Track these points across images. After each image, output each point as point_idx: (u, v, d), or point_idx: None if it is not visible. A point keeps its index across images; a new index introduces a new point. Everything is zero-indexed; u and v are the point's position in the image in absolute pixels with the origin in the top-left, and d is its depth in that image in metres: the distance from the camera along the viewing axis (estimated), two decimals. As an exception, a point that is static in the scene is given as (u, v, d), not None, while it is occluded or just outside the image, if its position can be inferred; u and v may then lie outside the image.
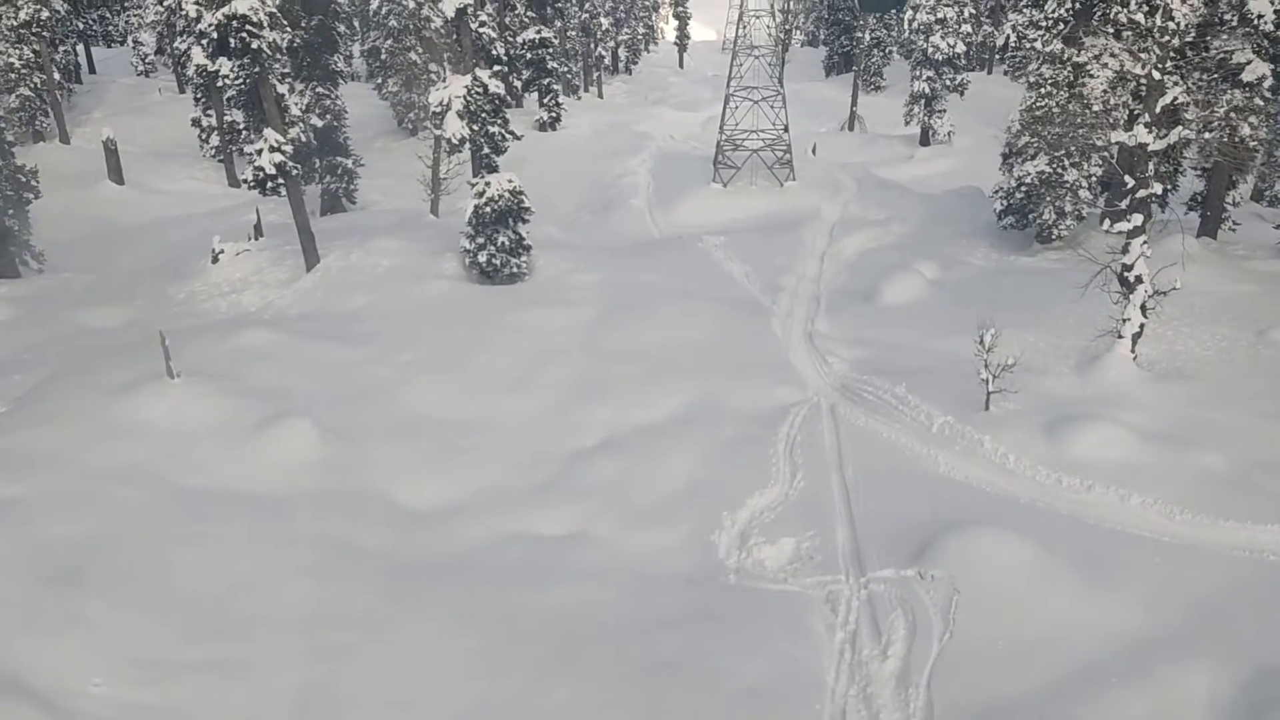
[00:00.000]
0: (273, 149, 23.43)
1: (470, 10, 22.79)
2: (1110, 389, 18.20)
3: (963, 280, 25.83)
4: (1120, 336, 18.84)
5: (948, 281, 25.72)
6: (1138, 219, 18.45)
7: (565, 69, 65.21)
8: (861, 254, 30.10)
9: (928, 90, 49.35)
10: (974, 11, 50.45)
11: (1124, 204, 18.77)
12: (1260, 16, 23.38)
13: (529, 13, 47.77)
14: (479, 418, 18.45)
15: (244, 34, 21.87)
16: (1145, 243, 18.51)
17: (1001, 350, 17.63)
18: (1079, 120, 25.99)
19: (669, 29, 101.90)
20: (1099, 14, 25.27)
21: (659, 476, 16.65)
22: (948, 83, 49.53)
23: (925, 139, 50.68)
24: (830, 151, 47.81)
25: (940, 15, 47.82)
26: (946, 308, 23.59)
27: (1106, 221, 18.54)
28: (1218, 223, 27.01)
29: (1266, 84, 23.93)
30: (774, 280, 27.45)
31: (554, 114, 47.84)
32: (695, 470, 16.84)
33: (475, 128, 23.56)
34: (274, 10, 22.37)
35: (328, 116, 34.08)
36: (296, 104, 33.85)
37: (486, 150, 23.99)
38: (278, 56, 23.05)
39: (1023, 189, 27.47)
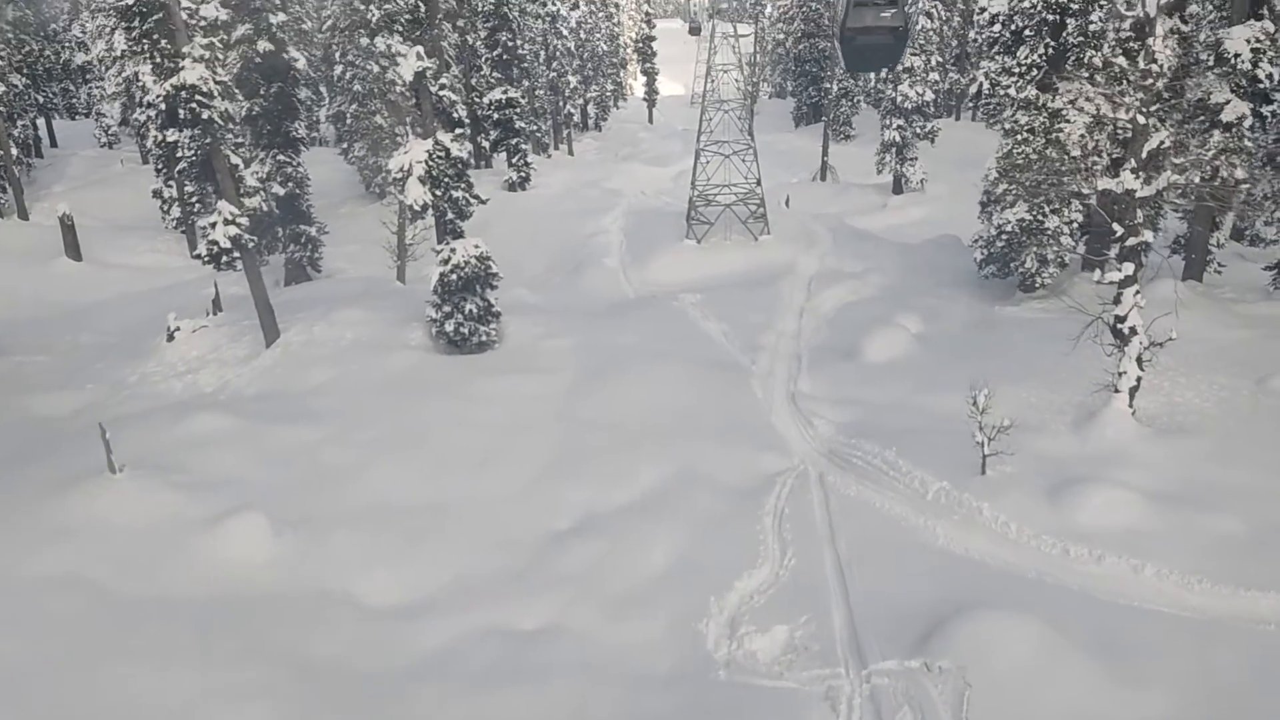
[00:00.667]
0: (227, 221, 22.47)
1: (429, 73, 22.06)
2: (1110, 447, 17.31)
3: (947, 333, 25.04)
4: (1117, 391, 18.01)
5: (932, 335, 24.92)
6: (1129, 268, 17.72)
7: (534, 128, 64.91)
8: (841, 308, 29.32)
9: (898, 138, 49.17)
10: (940, 60, 50.44)
11: (1114, 253, 18.07)
12: (1237, 55, 22.99)
13: (495, 73, 47.37)
14: (446, 500, 17.32)
15: (194, 105, 21.01)
16: (1138, 293, 17.77)
17: (995, 409, 16.76)
18: (1058, 166, 25.47)
19: (638, 85, 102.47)
20: (1073, 58, 24.89)
21: (640, 559, 15.56)
22: (918, 130, 49.38)
23: (898, 187, 50.41)
24: (803, 202, 47.38)
25: (908, 64, 47.74)
26: (933, 363, 22.76)
27: (1097, 272, 17.78)
28: (1203, 265, 26.43)
29: (1247, 123, 23.48)
30: (753, 338, 26.62)
31: (523, 174, 47.24)
32: (678, 551, 15.78)
33: (438, 193, 22.70)
34: (225, 80, 21.55)
35: (289, 184, 33.21)
36: (256, 173, 32.98)
37: (451, 216, 23.12)
38: (230, 127, 22.16)
39: (1003, 237, 26.85)
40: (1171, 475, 16.39)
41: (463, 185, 22.99)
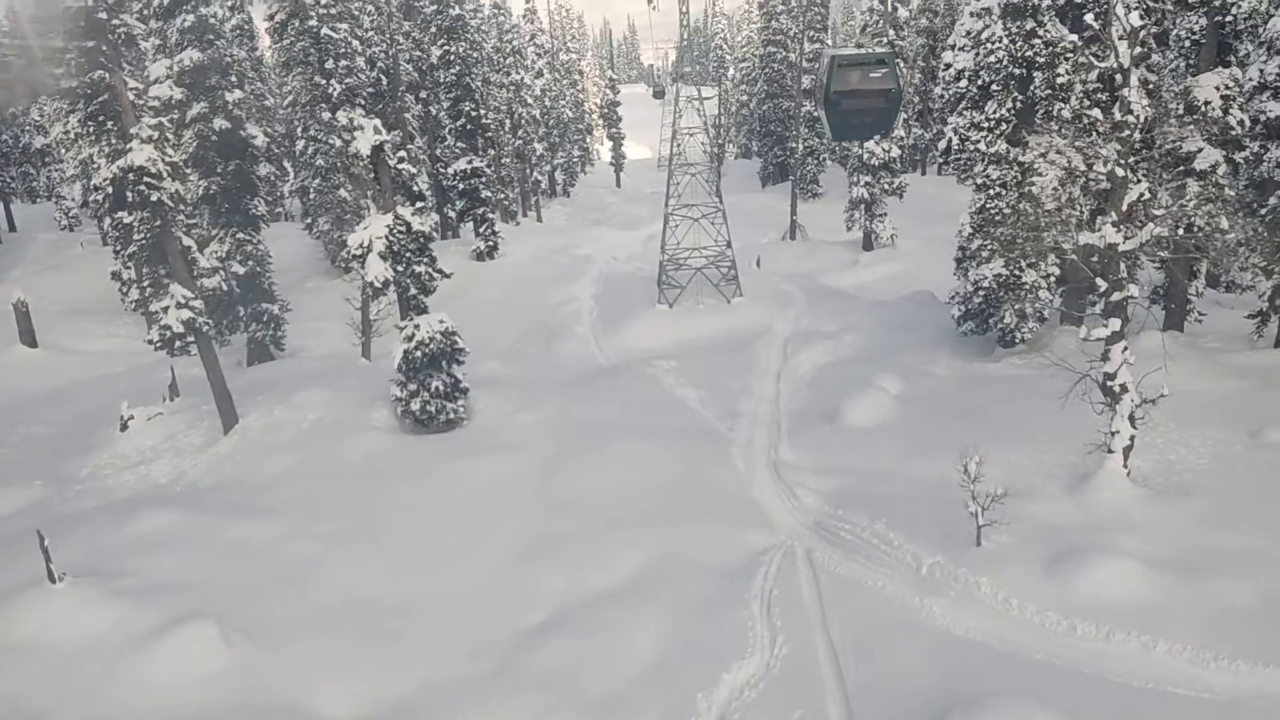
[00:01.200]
0: (180, 304, 21.59)
1: (388, 146, 21.44)
2: (1107, 511, 16.56)
3: (929, 394, 24.38)
4: (1110, 451, 17.33)
5: (913, 396, 24.24)
6: (1115, 323, 17.15)
7: (502, 196, 64.71)
8: (819, 370, 28.69)
9: (867, 195, 49.10)
10: (905, 116, 50.65)
11: (1098, 308, 17.52)
12: (1207, 103, 22.81)
13: (459, 143, 47.01)
14: (411, 596, 16.28)
15: (142, 187, 20.25)
16: (1126, 349, 17.18)
17: (986, 474, 16.03)
18: (1032, 220, 25.11)
19: (604, 150, 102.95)
20: (1041, 111, 24.67)
21: (621, 655, 14.55)
22: (886, 186, 49.35)
23: (868, 243, 50.25)
24: (774, 262, 47.09)
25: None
26: (916, 426, 22.04)
27: (1083, 328, 17.21)
28: (1183, 315, 26.03)
29: (1221, 170, 23.23)
30: (730, 405, 25.86)
31: (491, 243, 46.71)
32: (662, 643, 14.78)
33: (400, 269, 21.97)
34: (175, 161, 20.83)
35: (250, 262, 32.40)
36: (216, 252, 32.26)
37: (414, 292, 22.36)
38: (181, 208, 21.39)
39: (980, 293, 26.37)
40: (1173, 541, 15.63)
41: (425, 260, 22.27)
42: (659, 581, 16.39)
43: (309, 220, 49.51)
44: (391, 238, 21.64)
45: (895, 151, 49.01)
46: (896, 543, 16.59)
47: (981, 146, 25.24)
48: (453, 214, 48.70)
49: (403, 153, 22.11)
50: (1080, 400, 17.62)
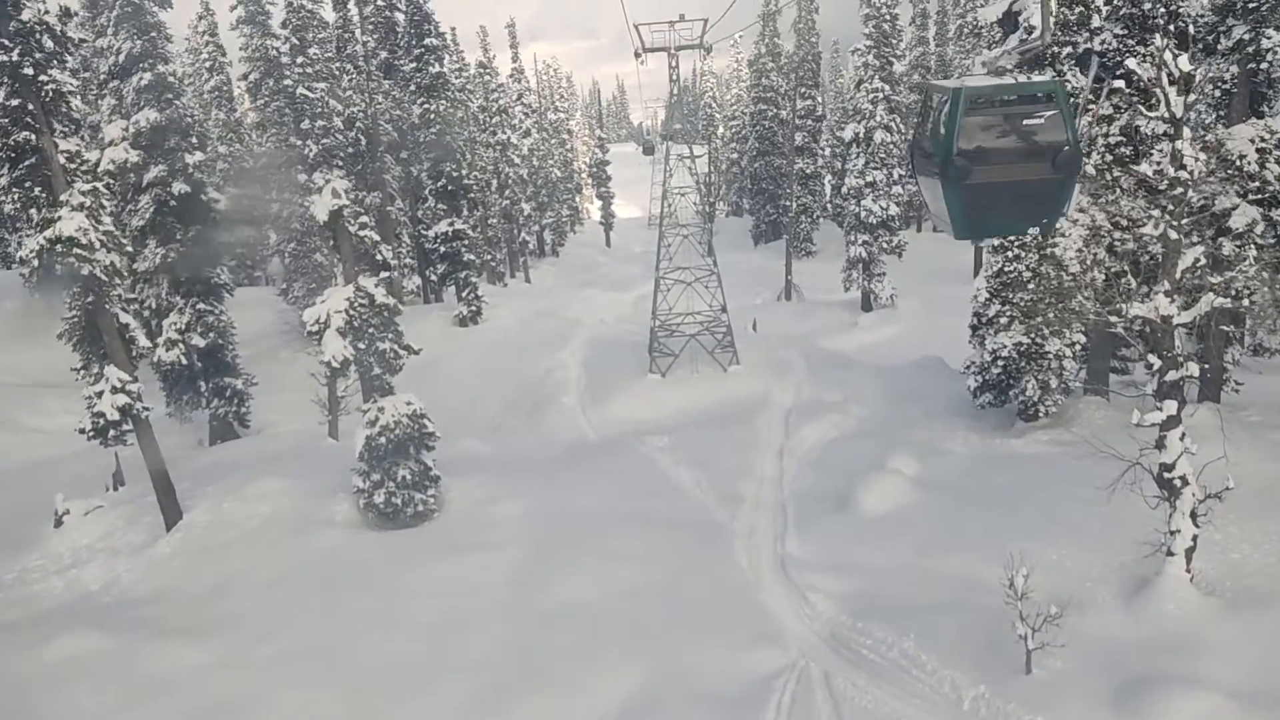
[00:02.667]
0: (115, 389, 19.33)
1: (347, 212, 19.40)
2: (1174, 626, 14.27)
3: (949, 476, 22.13)
4: (1170, 554, 15.08)
5: (932, 478, 21.98)
6: (1171, 406, 15.01)
7: (489, 256, 62.87)
8: (825, 446, 26.44)
9: (865, 254, 47.36)
10: (903, 173, 49.09)
11: (1150, 388, 15.42)
12: (1242, 157, 20.95)
13: (440, 205, 45.15)
14: (366, 739, 13.86)
15: (72, 259, 18.11)
16: (1185, 435, 15.03)
17: (1027, 580, 13.78)
18: (1055, 285, 23.14)
19: (594, 208, 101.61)
20: (1061, 168, 22.74)
21: (609, 817, 12.15)
22: (884, 245, 47.64)
23: (867, 304, 48.41)
24: (770, 324, 45.10)
25: (870, 179, 46.29)
26: (939, 515, 19.77)
27: (1136, 414, 15.05)
28: (1219, 384, 23.91)
29: (1258, 229, 21.29)
30: (730, 487, 23.60)
31: (474, 307, 44.60)
32: (657, 799, 12.39)
33: (362, 346, 19.78)
34: (110, 229, 18.71)
35: (211, 334, 30.16)
36: (175, 324, 30.10)
37: (378, 370, 20.16)
38: (117, 281, 19.24)
39: (999, 363, 24.27)
40: (1255, 663, 13.34)
41: (390, 335, 20.12)
42: (652, 715, 14.00)
43: (283, 286, 47.49)
44: (353, 311, 19.48)
45: (894, 209, 47.38)
46: (930, 667, 14.24)
47: (998, 205, 23.26)
48: (434, 278, 46.66)
49: (365, 218, 20.06)
50: (1128, 490, 15.43)
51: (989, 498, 20.10)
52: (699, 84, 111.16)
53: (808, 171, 69.65)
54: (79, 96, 18.67)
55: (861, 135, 46.40)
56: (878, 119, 46.06)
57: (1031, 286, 23.48)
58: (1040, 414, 24.60)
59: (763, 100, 74.21)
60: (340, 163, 43.16)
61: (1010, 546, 14.75)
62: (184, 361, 30.11)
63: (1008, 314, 24.01)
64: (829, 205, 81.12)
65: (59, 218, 18.17)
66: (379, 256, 20.25)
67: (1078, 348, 24.21)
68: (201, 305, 30.18)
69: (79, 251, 18.11)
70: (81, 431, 19.87)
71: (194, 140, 29.11)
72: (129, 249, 20.76)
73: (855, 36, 48.84)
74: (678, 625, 16.46)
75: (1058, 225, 10.96)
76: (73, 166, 18.73)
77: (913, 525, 19.58)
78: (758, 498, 23.12)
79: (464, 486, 22.64)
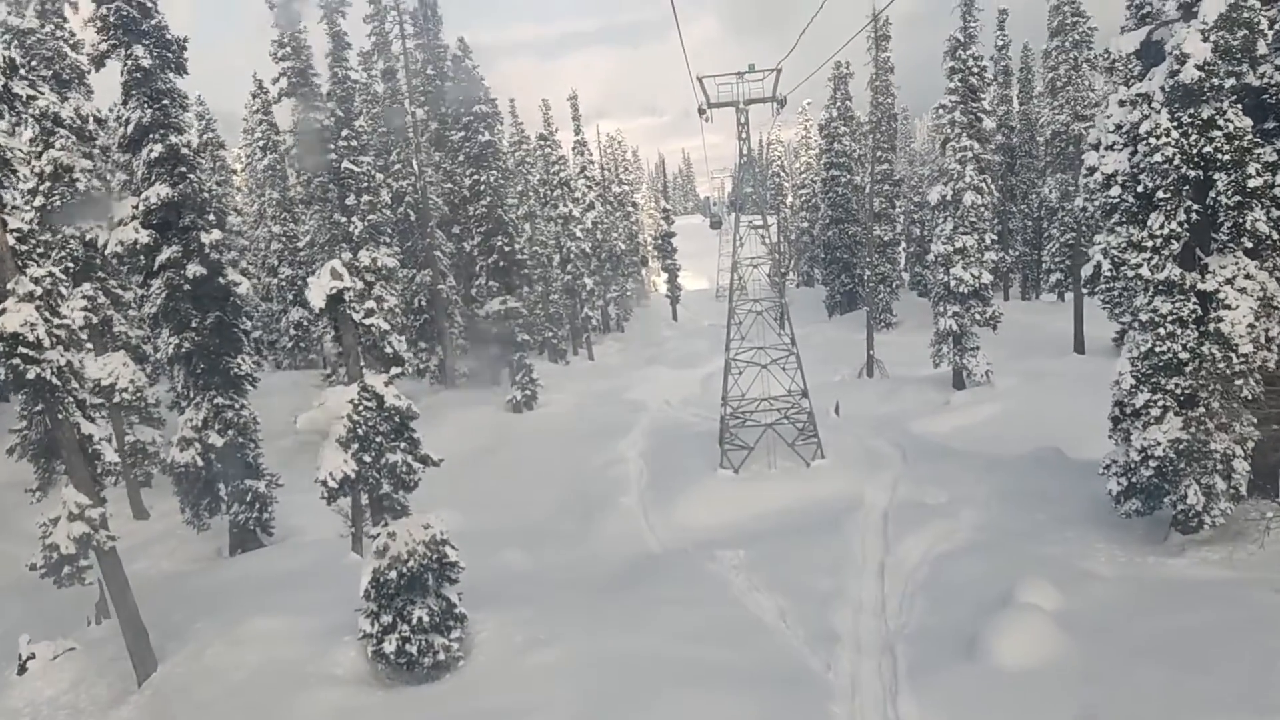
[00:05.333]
0: (73, 516, 15.94)
1: (349, 297, 15.94)
2: None
3: (1103, 612, 17.52)
4: None
5: (1081, 616, 17.37)
6: None
7: (550, 334, 59.84)
8: (934, 563, 22.01)
9: (955, 327, 42.91)
10: (994, 238, 44.80)
11: None
12: None
13: (491, 282, 42.04)
14: None
15: (16, 360, 14.89)
16: None
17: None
18: (1221, 368, 18.70)
19: (660, 281, 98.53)
20: (1228, 224, 18.51)
21: None
22: (977, 316, 43.14)
23: (959, 381, 43.82)
24: (853, 405, 40.74)
25: (959, 244, 42.05)
26: (1102, 673, 15.27)
27: None
28: None
29: None
30: (822, 620, 19.32)
31: (529, 391, 41.14)
32: None
33: (368, 459, 16.15)
34: (68, 323, 15.51)
35: (230, 431, 26.96)
36: (191, 420, 27.00)
37: (388, 488, 16.49)
38: (74, 385, 15.94)
39: (1151, 462, 19.75)
40: None
41: (404, 444, 16.46)
42: None
43: (328, 371, 44.69)
44: (357, 417, 15.90)
45: (986, 277, 42.95)
46: None
47: (1144, 272, 19.01)
48: (486, 359, 43.41)
49: (371, 303, 16.57)
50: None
51: (1166, 648, 15.54)
52: (767, 153, 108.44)
53: (885, 238, 65.66)
54: (29, 164, 15.60)
55: (949, 197, 42.30)
56: (967, 179, 41.95)
57: (1190, 370, 19.07)
58: (1203, 525, 19.95)
59: (835, 166, 70.70)
60: (387, 239, 40.62)
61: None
62: (200, 463, 26.90)
63: (1160, 404, 19.54)
64: (904, 274, 76.85)
65: (3, 310, 14.99)
66: (388, 350, 16.68)
67: (1249, 444, 19.61)
68: (220, 399, 27.04)
69: (24, 351, 14.88)
70: (32, 568, 16.45)
71: (211, 218, 26.27)
72: (88, 346, 17.48)
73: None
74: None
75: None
76: (24, 249, 15.62)
77: (1068, 687, 15.09)
78: (857, 636, 18.79)
79: (498, 623, 18.66)
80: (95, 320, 28.52)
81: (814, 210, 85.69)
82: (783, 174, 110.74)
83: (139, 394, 29.47)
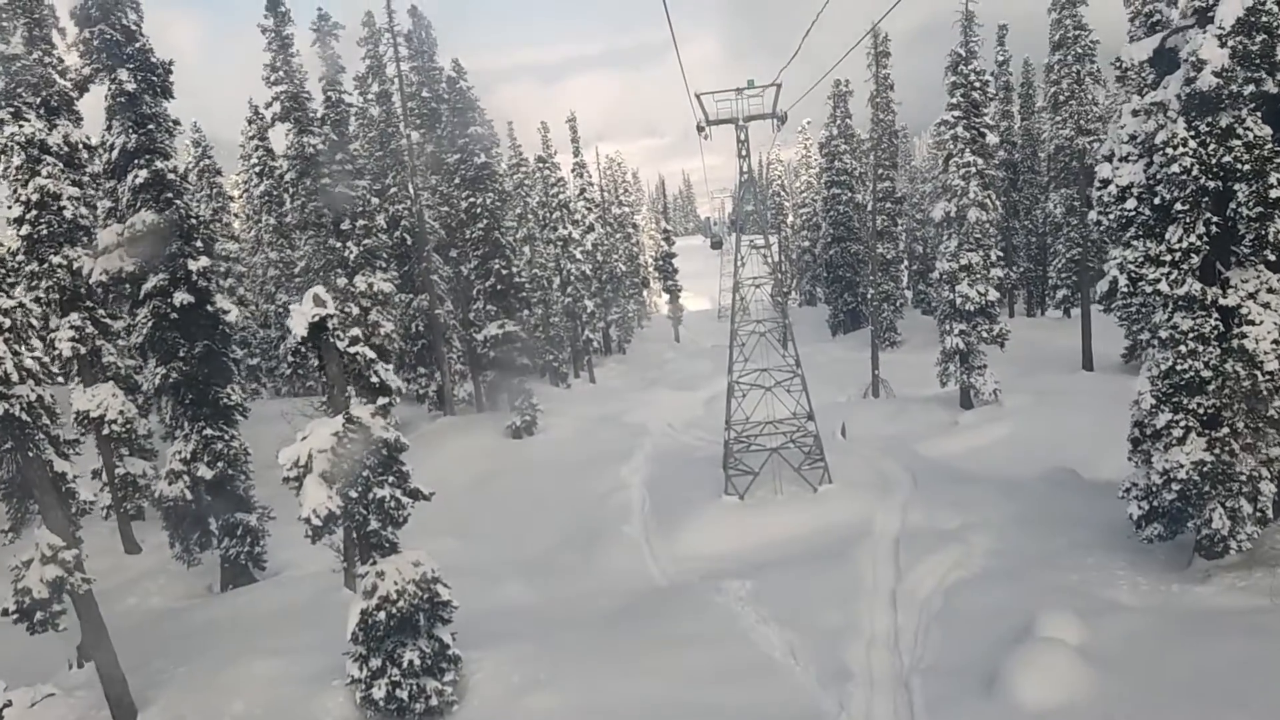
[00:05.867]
0: (46, 559, 15.17)
1: (332, 323, 15.23)
2: None
3: (1129, 645, 16.64)
4: None
5: (1106, 650, 16.51)
6: None
7: (551, 357, 59.15)
8: (949, 592, 21.16)
9: (962, 345, 42.10)
10: (1000, 254, 44.08)
11: None
12: None
13: (489, 305, 41.33)
14: None
15: (-19, 395, 14.19)
16: None
17: None
18: (1245, 386, 17.93)
19: (661, 302, 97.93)
20: (1250, 237, 17.77)
21: None
22: (984, 334, 42.34)
23: (967, 400, 42.97)
24: (859, 426, 39.95)
25: (965, 261, 41.33)
26: (1132, 713, 14.41)
27: None
28: None
29: None
30: (833, 656, 18.50)
31: (528, 417, 40.33)
32: None
33: (354, 494, 15.39)
34: (40, 355, 14.83)
35: (220, 464, 26.20)
36: (179, 452, 26.25)
37: (375, 525, 15.71)
38: (45, 421, 15.22)
39: (1173, 486, 18.93)
40: None
41: (392, 478, 15.70)
42: None
43: (325, 398, 43.91)
44: (341, 450, 15.14)
45: (993, 295, 42.20)
46: None
47: (1163, 287, 18.26)
48: (484, 383, 42.66)
49: (356, 331, 15.84)
50: None
51: (1197, 683, 14.72)
52: (767, 173, 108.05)
53: (888, 256, 65.05)
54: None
55: (953, 214, 41.60)
56: (971, 195, 41.27)
57: (1213, 389, 18.29)
58: (1229, 550, 19.13)
59: (836, 184, 70.23)
60: (383, 264, 39.95)
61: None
62: (188, 496, 26.13)
63: (1182, 424, 18.75)
64: (907, 291, 76.15)
65: (-34, 343, 14.32)
66: (374, 379, 15.93)
67: (1276, 465, 18.81)
68: (209, 430, 26.29)
69: (-9, 385, 14.19)
70: (4, 613, 15.66)
71: (198, 244, 25.59)
72: (56, 378, 16.82)
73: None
74: None
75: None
76: (-8, 278, 14.97)
77: (1094, 726, 14.26)
78: (870, 672, 17.95)
79: (495, 662, 17.85)
80: (84, 350, 27.84)
81: (815, 229, 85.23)
82: (783, 193, 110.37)
83: (129, 425, 28.65)
